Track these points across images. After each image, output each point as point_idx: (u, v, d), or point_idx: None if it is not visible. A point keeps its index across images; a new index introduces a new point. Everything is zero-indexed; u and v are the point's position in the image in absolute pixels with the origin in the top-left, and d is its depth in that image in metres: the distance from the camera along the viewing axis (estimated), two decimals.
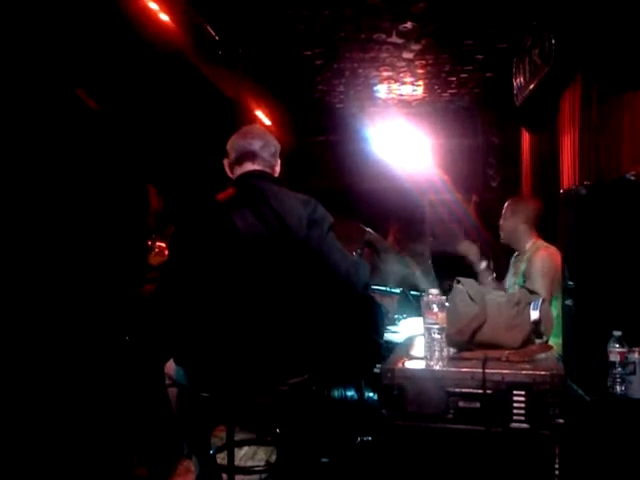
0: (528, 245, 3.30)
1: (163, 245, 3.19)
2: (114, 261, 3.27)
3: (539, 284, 2.94)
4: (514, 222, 3.32)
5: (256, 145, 2.38)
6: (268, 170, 2.41)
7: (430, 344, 2.10)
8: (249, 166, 2.38)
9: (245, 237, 2.18)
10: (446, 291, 2.30)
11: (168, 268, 2.36)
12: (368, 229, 3.32)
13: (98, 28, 3.49)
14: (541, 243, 3.26)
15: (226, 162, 2.45)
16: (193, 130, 4.92)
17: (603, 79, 3.39)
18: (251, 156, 2.38)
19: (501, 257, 3.88)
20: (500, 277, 3.48)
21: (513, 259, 3.47)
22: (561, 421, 1.97)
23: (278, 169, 2.46)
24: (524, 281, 3.13)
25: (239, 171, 2.39)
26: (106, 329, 3.25)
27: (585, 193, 2.30)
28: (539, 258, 3.13)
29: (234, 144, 2.42)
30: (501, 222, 3.41)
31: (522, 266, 3.25)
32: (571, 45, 3.51)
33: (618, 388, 2.07)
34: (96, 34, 3.51)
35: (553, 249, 3.16)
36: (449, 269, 3.35)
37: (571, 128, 3.73)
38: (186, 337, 2.24)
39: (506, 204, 3.43)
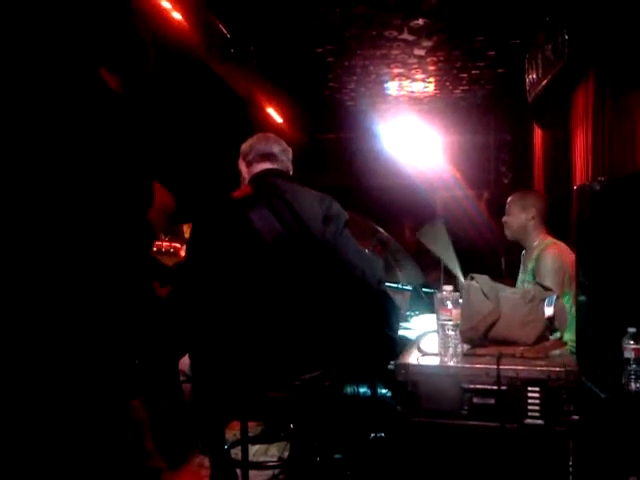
0: (536, 242, 3.19)
1: (178, 246, 3.16)
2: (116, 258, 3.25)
3: (550, 282, 2.84)
4: (523, 218, 3.20)
5: (276, 149, 2.46)
6: (285, 170, 2.45)
7: (444, 340, 2.10)
8: (267, 165, 2.43)
9: (261, 234, 2.20)
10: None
11: (185, 266, 2.39)
12: (380, 229, 3.31)
13: (109, 26, 3.50)
14: (550, 240, 3.17)
15: (242, 162, 2.48)
16: (205, 127, 4.94)
17: (616, 75, 3.37)
18: (271, 157, 2.44)
19: (513, 253, 3.85)
20: (511, 273, 3.43)
21: (523, 255, 3.38)
22: (576, 417, 1.97)
23: (291, 174, 2.51)
24: (534, 279, 3.06)
25: (257, 169, 2.42)
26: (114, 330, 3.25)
27: (599, 189, 2.30)
28: (549, 256, 3.04)
29: (253, 146, 2.47)
30: (506, 219, 3.27)
31: (530, 264, 3.16)
32: (584, 41, 3.49)
33: (633, 385, 2.06)
34: (107, 33, 3.52)
35: (562, 245, 3.08)
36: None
37: (584, 124, 3.72)
38: (202, 333, 2.26)
39: (510, 199, 3.28)
